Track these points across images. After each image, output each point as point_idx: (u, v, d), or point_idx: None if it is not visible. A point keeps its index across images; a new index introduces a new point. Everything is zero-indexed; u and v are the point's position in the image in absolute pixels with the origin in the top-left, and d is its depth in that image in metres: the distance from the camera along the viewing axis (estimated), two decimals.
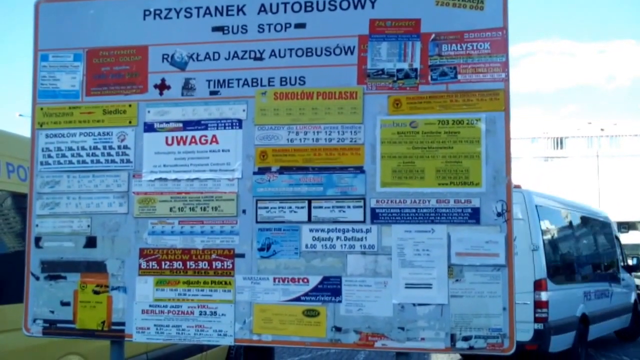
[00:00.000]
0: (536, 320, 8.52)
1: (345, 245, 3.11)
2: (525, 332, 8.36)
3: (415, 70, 3.16)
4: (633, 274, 13.70)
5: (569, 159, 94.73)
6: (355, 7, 3.23)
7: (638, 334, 13.05)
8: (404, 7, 3.20)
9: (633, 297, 13.03)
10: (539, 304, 8.53)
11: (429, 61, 3.16)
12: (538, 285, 8.58)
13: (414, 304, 3.03)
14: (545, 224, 9.53)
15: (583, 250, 11.33)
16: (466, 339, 2.98)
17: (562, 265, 10.14)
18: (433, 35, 3.16)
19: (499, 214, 3.03)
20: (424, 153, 3.11)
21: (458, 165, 3.07)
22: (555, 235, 10.33)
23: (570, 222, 11.06)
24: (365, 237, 3.09)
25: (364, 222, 3.10)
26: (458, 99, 3.12)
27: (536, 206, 9.13)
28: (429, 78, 3.15)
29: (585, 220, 11.85)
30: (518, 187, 9.32)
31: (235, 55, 3.31)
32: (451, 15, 3.15)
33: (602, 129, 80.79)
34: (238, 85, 3.29)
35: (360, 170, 3.14)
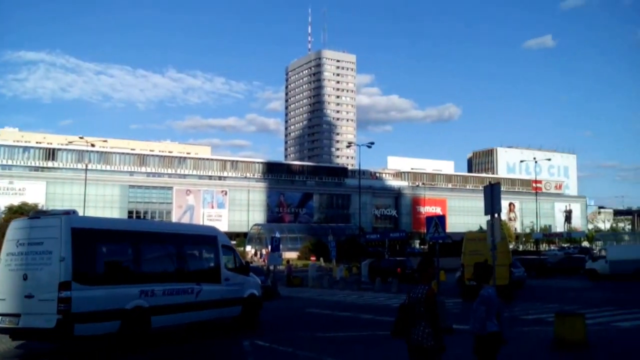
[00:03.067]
0: (58, 312, 11.12)
1: None
2: (50, 321, 11.10)
3: None
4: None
5: (60, 170, 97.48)
6: None
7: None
8: None
9: (249, 292, 16.12)
10: (61, 300, 11.16)
11: None
12: (62, 286, 11.23)
13: None
14: (85, 242, 11.97)
15: (145, 261, 13.59)
16: None
17: (104, 271, 12.47)
18: None
19: None
20: None
21: None
22: (97, 250, 12.55)
23: (128, 241, 13.40)
24: None
25: None
26: None
27: (73, 228, 11.67)
28: None
29: (156, 237, 14.31)
30: (69, 213, 12.17)
31: None
32: None
33: (92, 145, 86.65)
34: None
35: None
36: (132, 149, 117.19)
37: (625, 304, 20.14)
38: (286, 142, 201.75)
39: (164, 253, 14.43)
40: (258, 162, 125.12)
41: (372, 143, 61.56)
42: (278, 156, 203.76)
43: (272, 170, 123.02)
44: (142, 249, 13.75)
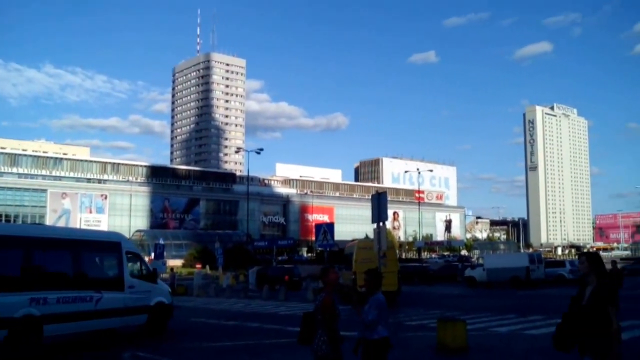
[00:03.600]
0: None
1: None
2: None
3: None
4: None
5: None
6: None
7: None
8: None
9: (157, 300, 15.81)
10: None
11: None
12: None
13: None
14: None
15: (37, 268, 13.01)
16: None
17: None
18: None
19: None
20: None
21: None
22: None
23: (18, 247, 12.77)
24: None
25: None
26: None
27: None
28: None
29: (51, 243, 13.65)
30: None
31: None
32: None
33: None
34: None
35: None
36: (2, 148, 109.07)
37: (502, 310, 21.03)
38: (172, 146, 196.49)
39: (59, 260, 13.92)
40: (141, 166, 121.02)
41: (261, 149, 61.45)
42: (163, 160, 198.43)
43: (157, 174, 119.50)
44: (35, 255, 13.20)
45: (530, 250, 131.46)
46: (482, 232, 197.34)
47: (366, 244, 25.77)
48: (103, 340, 14.68)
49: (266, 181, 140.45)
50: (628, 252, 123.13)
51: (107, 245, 15.42)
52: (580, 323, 5.46)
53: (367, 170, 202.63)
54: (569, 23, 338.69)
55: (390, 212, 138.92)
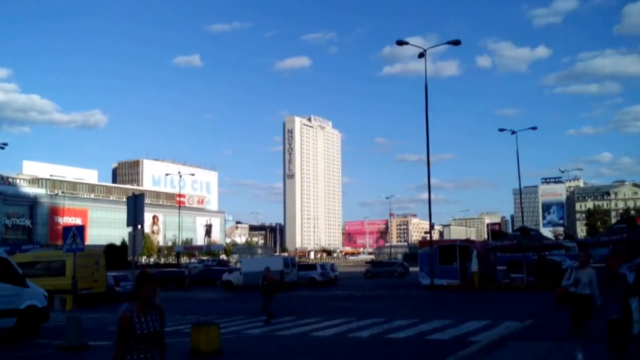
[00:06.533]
0: None
1: None
2: None
3: None
4: None
5: None
6: None
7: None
8: None
9: (27, 303, 15.99)
10: None
11: None
12: None
13: None
14: None
15: None
16: None
17: None
18: None
19: None
20: None
21: None
22: None
23: None
24: None
25: None
26: None
27: None
28: None
29: None
30: None
31: None
32: None
33: None
34: None
35: None
36: None
37: (256, 313, 21.68)
38: None
39: None
40: None
41: (5, 144, 55.85)
42: None
43: None
44: None
45: (286, 254, 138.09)
46: (241, 237, 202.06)
47: (88, 252, 29.69)
48: None
49: (10, 179, 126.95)
50: (372, 257, 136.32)
51: None
52: None
53: (127, 171, 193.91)
54: (326, 41, 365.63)
55: (149, 216, 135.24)
